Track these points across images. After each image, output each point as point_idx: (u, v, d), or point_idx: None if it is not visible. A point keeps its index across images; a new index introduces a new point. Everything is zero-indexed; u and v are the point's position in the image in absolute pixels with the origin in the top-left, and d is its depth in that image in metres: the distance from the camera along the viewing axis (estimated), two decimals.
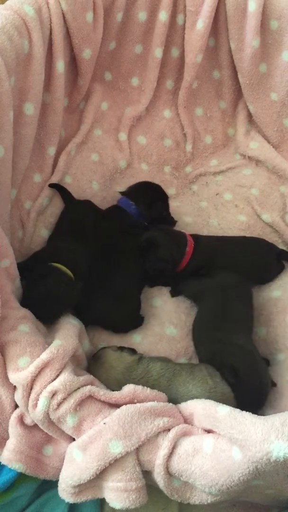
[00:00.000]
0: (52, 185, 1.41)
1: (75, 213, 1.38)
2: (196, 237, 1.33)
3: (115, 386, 1.02)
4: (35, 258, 1.24)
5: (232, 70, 1.55)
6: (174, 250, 1.28)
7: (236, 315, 1.18)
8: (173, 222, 1.43)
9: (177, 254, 1.28)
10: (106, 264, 1.27)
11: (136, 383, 1.01)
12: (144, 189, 1.43)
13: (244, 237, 1.41)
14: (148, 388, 0.95)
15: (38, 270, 1.14)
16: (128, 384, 0.95)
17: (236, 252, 1.34)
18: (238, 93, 1.61)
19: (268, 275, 1.35)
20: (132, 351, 1.11)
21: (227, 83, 1.58)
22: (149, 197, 1.40)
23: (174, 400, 0.98)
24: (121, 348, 1.11)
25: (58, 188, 1.42)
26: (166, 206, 1.43)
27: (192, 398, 0.97)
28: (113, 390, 1.01)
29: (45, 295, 1.10)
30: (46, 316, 1.09)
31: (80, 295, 1.16)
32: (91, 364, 1.09)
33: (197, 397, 0.97)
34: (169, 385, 1.03)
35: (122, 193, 1.42)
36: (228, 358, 1.07)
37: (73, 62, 1.39)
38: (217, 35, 1.49)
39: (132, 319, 1.25)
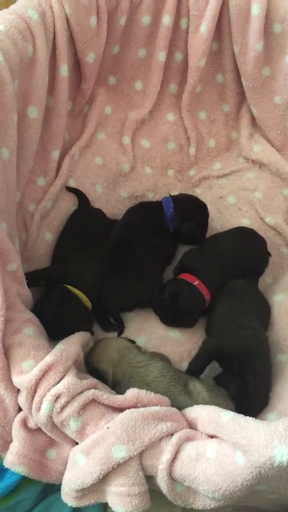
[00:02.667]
0: (69, 189, 1.44)
1: (88, 219, 1.39)
2: (199, 271, 1.30)
3: (109, 365, 1.04)
4: (49, 275, 1.25)
5: (236, 74, 1.55)
6: (199, 306, 1.27)
7: (251, 311, 1.21)
8: (198, 241, 1.40)
9: (200, 304, 1.27)
10: (125, 251, 1.31)
11: (132, 369, 1.04)
12: (189, 203, 1.43)
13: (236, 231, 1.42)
14: (152, 392, 0.95)
15: (54, 294, 1.17)
16: (131, 388, 0.95)
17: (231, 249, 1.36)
18: (241, 97, 1.61)
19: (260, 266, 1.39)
20: (132, 341, 1.15)
21: (231, 86, 1.59)
22: (188, 212, 1.39)
23: (173, 404, 0.98)
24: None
25: (75, 191, 1.44)
26: (200, 228, 1.41)
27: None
28: (107, 371, 1.03)
29: (58, 320, 1.11)
30: (57, 337, 1.08)
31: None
32: (89, 351, 1.10)
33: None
34: (168, 388, 1.03)
35: (171, 195, 1.43)
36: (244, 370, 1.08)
37: (76, 66, 1.39)
38: (221, 39, 1.50)
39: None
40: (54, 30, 1.25)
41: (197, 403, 0.99)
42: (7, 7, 1.20)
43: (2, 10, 1.19)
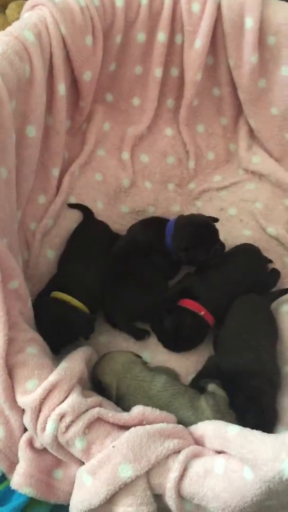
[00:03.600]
0: (71, 205, 1.45)
1: (93, 231, 1.40)
2: (204, 298, 1.26)
3: (113, 378, 1.04)
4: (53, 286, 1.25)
5: (232, 87, 1.56)
6: (203, 335, 1.26)
7: (259, 328, 1.20)
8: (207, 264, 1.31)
9: (204, 333, 1.26)
10: (126, 265, 1.31)
11: (136, 383, 1.04)
12: (188, 229, 1.31)
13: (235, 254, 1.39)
14: (156, 408, 0.94)
15: (52, 307, 1.18)
16: (137, 406, 0.94)
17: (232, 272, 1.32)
18: (238, 109, 1.61)
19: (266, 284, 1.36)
20: (138, 356, 1.16)
21: (227, 99, 1.59)
22: (185, 242, 1.29)
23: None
24: None
25: (78, 206, 1.45)
26: (206, 252, 1.29)
27: (191, 424, 0.95)
28: (110, 384, 1.03)
29: (56, 330, 1.12)
30: (55, 347, 1.10)
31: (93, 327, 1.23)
32: (95, 363, 1.11)
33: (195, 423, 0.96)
34: (170, 401, 1.03)
35: (180, 216, 1.37)
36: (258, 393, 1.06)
37: (74, 84, 1.40)
38: (216, 53, 1.50)
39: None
40: (51, 50, 1.27)
41: (201, 420, 0.97)
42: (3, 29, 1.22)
43: None
